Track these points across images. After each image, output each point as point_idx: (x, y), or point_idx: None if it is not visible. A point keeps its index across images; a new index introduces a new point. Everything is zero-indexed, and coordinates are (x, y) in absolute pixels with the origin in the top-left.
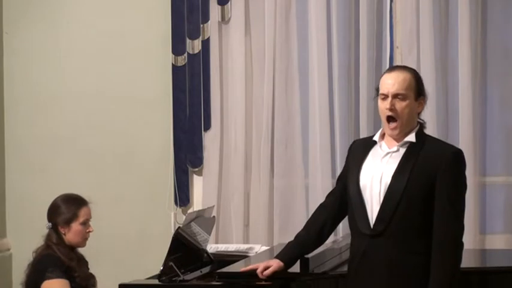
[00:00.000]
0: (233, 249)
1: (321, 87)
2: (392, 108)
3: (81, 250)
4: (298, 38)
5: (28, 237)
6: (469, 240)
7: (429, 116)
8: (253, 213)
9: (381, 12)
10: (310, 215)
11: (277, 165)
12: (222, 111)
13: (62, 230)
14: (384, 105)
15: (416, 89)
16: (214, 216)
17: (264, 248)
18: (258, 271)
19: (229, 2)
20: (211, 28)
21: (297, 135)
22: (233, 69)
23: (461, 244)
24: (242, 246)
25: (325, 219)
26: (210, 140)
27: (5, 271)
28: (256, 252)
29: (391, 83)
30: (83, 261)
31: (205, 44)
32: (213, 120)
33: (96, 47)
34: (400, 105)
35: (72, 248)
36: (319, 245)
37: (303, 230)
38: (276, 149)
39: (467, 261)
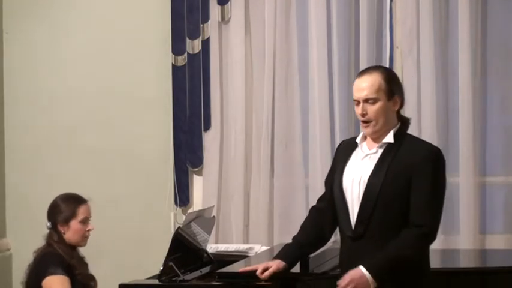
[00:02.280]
0: (233, 249)
1: (321, 87)
2: (364, 114)
3: (81, 250)
4: (298, 38)
5: (28, 237)
6: (469, 240)
7: (429, 116)
8: (253, 213)
9: (381, 12)
10: None
11: (277, 165)
12: (222, 111)
13: (61, 229)
14: (357, 111)
15: (388, 90)
16: (214, 216)
17: (264, 248)
18: (258, 272)
19: (229, 2)
20: (211, 28)
21: (297, 135)
22: (233, 69)
23: (430, 237)
24: (242, 246)
25: (323, 222)
26: (210, 140)
27: (5, 271)
28: (256, 252)
29: (360, 88)
30: (83, 262)
31: (205, 44)
32: (213, 120)
33: (96, 47)
34: (371, 109)
35: (73, 248)
36: (319, 248)
37: (301, 233)
38: (276, 149)
39: (467, 261)
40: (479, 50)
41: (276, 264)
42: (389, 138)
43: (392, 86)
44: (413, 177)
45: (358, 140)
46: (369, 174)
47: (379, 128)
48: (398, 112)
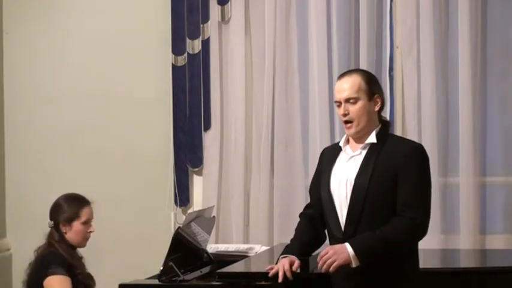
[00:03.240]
0: (233, 249)
1: (321, 87)
2: (346, 113)
3: (81, 250)
4: (298, 38)
5: (28, 237)
6: (469, 240)
7: (429, 115)
8: (253, 213)
9: (381, 12)
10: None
11: (277, 165)
12: (222, 111)
13: (63, 229)
14: (339, 112)
15: (368, 90)
16: (214, 216)
17: (264, 248)
18: (286, 268)
19: (229, 2)
20: (211, 28)
21: (297, 135)
22: (233, 69)
23: (421, 229)
24: (242, 246)
25: (315, 225)
26: (210, 140)
27: (5, 271)
28: (256, 252)
29: (341, 89)
30: (82, 262)
31: (205, 44)
32: (213, 120)
33: (96, 47)
34: (353, 108)
35: (73, 248)
36: (317, 249)
37: (298, 235)
38: (276, 149)
39: (467, 261)
40: (479, 50)
41: (297, 261)
42: (372, 138)
43: (372, 86)
44: (399, 174)
45: (341, 143)
46: (354, 175)
47: (361, 127)
48: (379, 114)
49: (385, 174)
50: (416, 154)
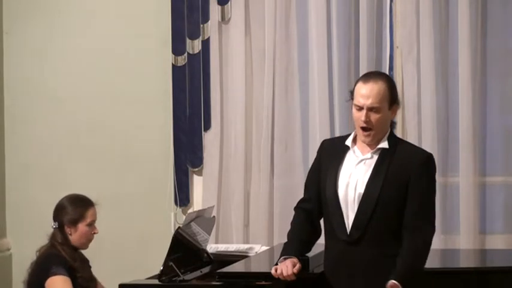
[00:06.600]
0: (233, 249)
1: (321, 87)
2: (367, 121)
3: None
4: (298, 38)
5: (28, 237)
6: (468, 240)
7: (429, 116)
8: (253, 213)
9: (381, 12)
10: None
11: (277, 165)
12: (222, 111)
13: (68, 231)
14: (358, 116)
15: (390, 99)
16: (214, 216)
17: (264, 248)
18: (289, 272)
19: (229, 2)
20: (211, 28)
21: (297, 135)
22: (233, 69)
23: (430, 245)
24: (242, 246)
25: (313, 220)
26: (210, 140)
27: (5, 271)
28: (256, 252)
29: (365, 95)
30: (86, 263)
31: (205, 44)
32: (213, 120)
33: (96, 47)
34: (374, 117)
35: (75, 249)
36: (314, 244)
37: (296, 231)
38: (276, 149)
39: (467, 261)
40: (479, 50)
41: (298, 264)
42: (384, 144)
43: (394, 95)
44: (411, 183)
45: (349, 143)
46: (364, 179)
47: (377, 135)
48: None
49: (396, 183)
50: (429, 164)
